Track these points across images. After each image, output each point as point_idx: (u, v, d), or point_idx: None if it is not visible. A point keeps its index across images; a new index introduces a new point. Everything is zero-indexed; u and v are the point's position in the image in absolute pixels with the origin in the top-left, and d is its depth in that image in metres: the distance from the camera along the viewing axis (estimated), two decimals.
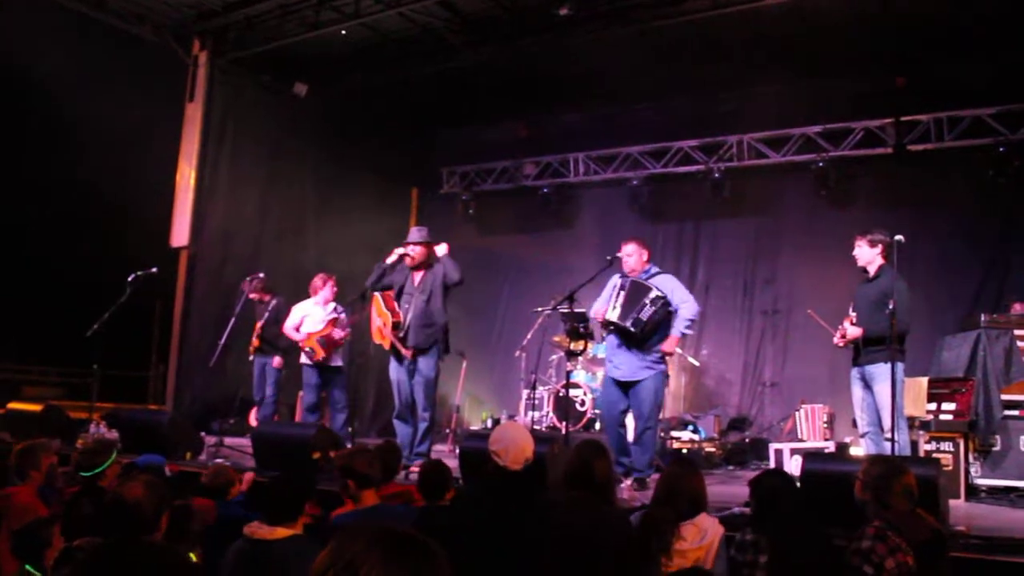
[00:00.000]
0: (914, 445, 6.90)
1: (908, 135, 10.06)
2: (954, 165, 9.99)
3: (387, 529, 1.48)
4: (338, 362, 8.85)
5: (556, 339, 10.03)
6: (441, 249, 7.33)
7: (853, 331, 6.55)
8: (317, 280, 8.93)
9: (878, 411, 6.43)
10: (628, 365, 6.73)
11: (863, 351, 6.52)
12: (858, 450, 7.21)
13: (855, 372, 6.65)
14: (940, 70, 10.05)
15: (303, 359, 8.72)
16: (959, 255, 9.86)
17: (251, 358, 9.35)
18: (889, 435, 6.13)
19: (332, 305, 8.81)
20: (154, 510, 3.27)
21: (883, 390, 6.23)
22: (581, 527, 3.52)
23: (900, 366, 6.29)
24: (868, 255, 6.66)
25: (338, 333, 8.61)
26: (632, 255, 6.91)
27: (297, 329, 8.74)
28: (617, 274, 6.98)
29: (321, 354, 8.53)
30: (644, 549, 3.84)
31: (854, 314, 6.70)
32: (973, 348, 7.46)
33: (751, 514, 4.12)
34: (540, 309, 7.09)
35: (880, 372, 6.30)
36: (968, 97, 9.73)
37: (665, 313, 6.67)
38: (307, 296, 8.93)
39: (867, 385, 6.53)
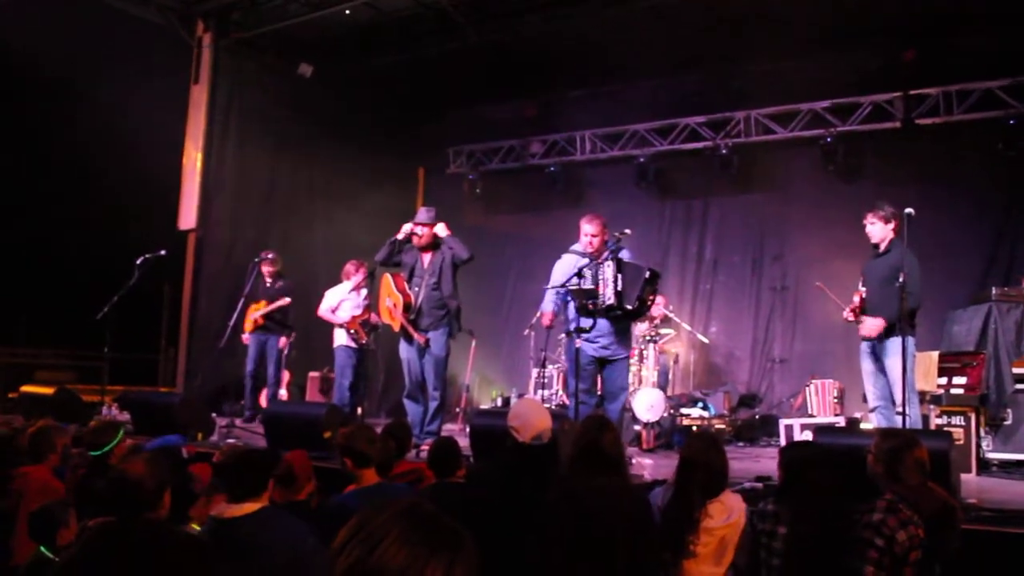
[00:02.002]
0: (925, 419, 6.89)
1: (917, 109, 9.97)
2: (963, 139, 9.90)
3: (411, 504, 1.48)
4: (373, 346, 9.15)
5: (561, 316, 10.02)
6: (441, 229, 7.25)
7: (874, 324, 6.45)
8: (350, 266, 9.05)
9: (889, 385, 6.42)
10: (615, 345, 6.79)
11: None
12: (868, 425, 7.19)
13: (865, 346, 6.65)
14: (949, 42, 9.91)
15: (343, 341, 8.89)
16: (969, 229, 9.80)
17: (246, 335, 9.42)
18: (900, 409, 6.12)
19: (364, 291, 8.93)
20: (156, 486, 3.27)
21: (894, 364, 6.22)
22: (596, 503, 3.51)
23: (911, 340, 6.28)
24: (882, 231, 6.61)
25: (375, 317, 8.74)
26: (597, 235, 6.76)
27: (334, 312, 8.87)
28: (586, 257, 6.77)
29: (365, 338, 8.81)
30: (670, 531, 3.83)
31: (863, 289, 6.67)
32: (984, 321, 7.45)
33: (777, 484, 4.10)
34: (549, 287, 7.08)
35: (891, 346, 6.29)
36: (978, 70, 9.62)
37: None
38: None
39: (877, 359, 6.52)
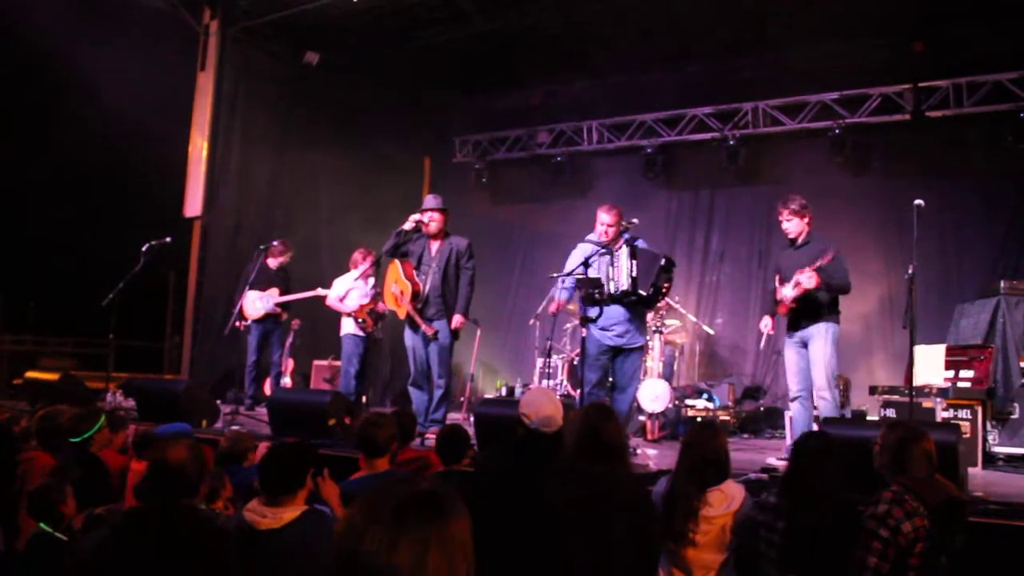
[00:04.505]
0: (931, 412, 6.86)
1: (926, 101, 9.92)
2: (973, 131, 9.86)
3: (393, 489, 1.46)
4: (380, 334, 9.11)
5: (571, 307, 10.00)
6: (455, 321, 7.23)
7: (809, 275, 6.26)
8: (357, 255, 9.01)
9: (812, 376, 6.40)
10: (630, 333, 6.71)
11: (801, 318, 6.44)
12: (789, 414, 7.05)
13: (791, 337, 6.54)
14: (959, 34, 9.86)
15: (350, 330, 8.85)
16: (977, 222, 9.76)
17: (248, 323, 9.36)
18: (822, 394, 6.15)
19: (372, 279, 8.91)
20: (197, 473, 3.22)
21: (817, 347, 6.23)
22: (595, 490, 3.49)
23: (834, 326, 6.30)
24: (799, 225, 6.54)
25: (382, 306, 8.70)
26: (614, 226, 6.71)
27: (342, 300, 8.84)
28: (596, 245, 6.71)
29: (372, 326, 8.80)
30: (668, 519, 3.81)
31: (779, 284, 6.57)
32: (992, 315, 7.42)
33: (783, 474, 4.08)
34: (555, 275, 7.06)
35: (816, 331, 6.27)
36: (988, 62, 9.57)
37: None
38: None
39: (803, 346, 6.42)
